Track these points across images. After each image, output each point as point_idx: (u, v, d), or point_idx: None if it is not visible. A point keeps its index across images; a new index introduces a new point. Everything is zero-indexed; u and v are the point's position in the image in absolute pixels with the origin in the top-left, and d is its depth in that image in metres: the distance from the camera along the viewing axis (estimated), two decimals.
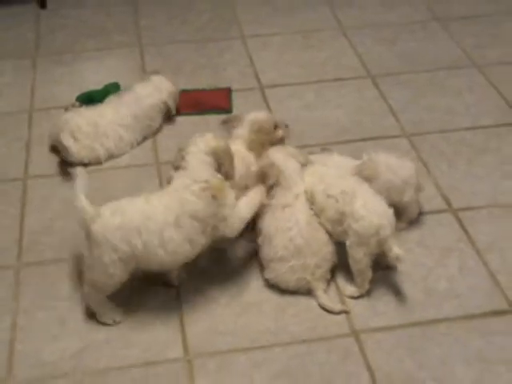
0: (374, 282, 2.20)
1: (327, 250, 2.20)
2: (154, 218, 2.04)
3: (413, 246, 2.34)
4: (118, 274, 2.05)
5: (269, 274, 2.21)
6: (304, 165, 2.30)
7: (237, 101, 2.99)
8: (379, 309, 2.15)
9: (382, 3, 3.69)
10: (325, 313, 2.14)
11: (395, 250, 2.10)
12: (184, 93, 3.00)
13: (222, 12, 3.64)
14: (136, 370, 1.99)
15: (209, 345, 2.06)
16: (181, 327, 2.10)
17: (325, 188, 2.23)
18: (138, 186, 2.58)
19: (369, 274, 2.16)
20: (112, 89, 2.91)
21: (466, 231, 2.40)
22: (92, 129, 2.66)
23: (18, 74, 3.19)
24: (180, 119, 2.92)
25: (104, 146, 2.67)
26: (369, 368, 1.99)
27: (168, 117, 2.88)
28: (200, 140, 2.14)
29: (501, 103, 2.97)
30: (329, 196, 2.21)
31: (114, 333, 2.09)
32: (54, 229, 2.43)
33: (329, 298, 2.17)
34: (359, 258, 2.14)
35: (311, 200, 2.23)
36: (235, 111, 2.91)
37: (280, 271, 2.18)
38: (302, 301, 2.17)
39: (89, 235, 2.04)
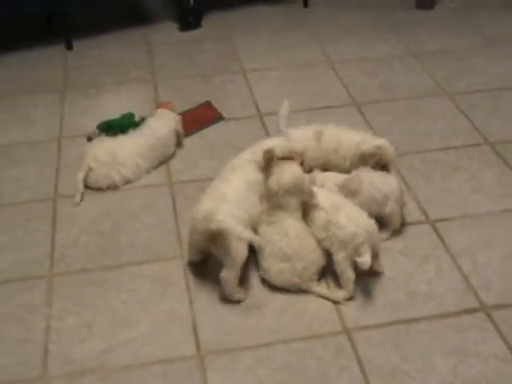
0: (363, 287, 2.19)
1: (314, 255, 2.19)
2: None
3: (396, 254, 2.32)
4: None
5: (261, 273, 2.21)
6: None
7: (239, 128, 2.99)
8: (368, 309, 2.13)
9: (363, 42, 3.68)
10: (320, 313, 2.12)
11: (363, 257, 2.10)
12: (181, 115, 2.98)
13: (224, 50, 3.63)
14: (155, 366, 1.97)
15: (218, 344, 2.03)
16: (193, 328, 2.08)
17: (324, 201, 2.25)
18: (152, 204, 2.57)
19: (350, 274, 2.15)
20: (127, 117, 2.90)
21: (441, 240, 2.38)
22: (109, 157, 2.63)
23: (49, 106, 3.17)
24: (186, 141, 2.91)
25: (120, 174, 2.64)
26: (359, 362, 1.97)
27: (179, 142, 2.86)
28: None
29: (469, 126, 2.96)
30: (321, 209, 2.22)
31: (134, 334, 2.07)
32: (80, 242, 2.41)
33: (326, 288, 2.17)
34: (340, 260, 2.15)
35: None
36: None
37: (270, 271, 2.18)
38: (299, 302, 2.15)
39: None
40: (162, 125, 2.78)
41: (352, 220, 2.16)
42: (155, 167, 2.75)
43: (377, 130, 2.94)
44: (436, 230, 2.42)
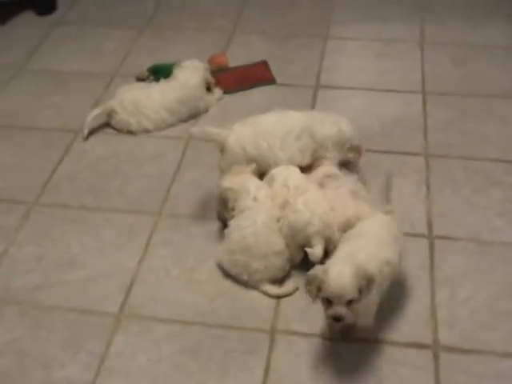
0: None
1: (275, 260, 1.98)
2: (281, 125, 2.18)
3: None
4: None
5: (218, 256, 2.06)
6: None
7: (287, 95, 2.79)
8: (308, 316, 1.91)
9: (471, 24, 3.23)
10: (257, 307, 1.95)
11: (313, 249, 1.90)
12: (227, 71, 2.85)
13: (319, 12, 3.37)
14: (72, 314, 1.94)
15: (142, 309, 1.95)
16: (129, 287, 2.01)
17: (285, 178, 2.07)
18: (161, 156, 2.50)
19: (299, 254, 1.99)
20: (174, 65, 2.80)
21: (431, 260, 2.07)
22: (133, 106, 2.58)
23: (122, 42, 3.18)
24: (227, 99, 2.78)
25: (140, 124, 2.58)
26: (267, 367, 1.79)
27: (209, 90, 2.75)
28: None
29: None
30: (285, 185, 2.04)
31: (73, 277, 2.05)
32: (77, 178, 2.42)
33: (273, 286, 1.98)
34: (288, 243, 1.99)
35: (270, 183, 2.08)
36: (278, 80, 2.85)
37: (225, 259, 2.02)
38: (243, 290, 1.99)
39: (224, 148, 2.15)
40: (189, 76, 2.67)
41: (309, 207, 1.95)
42: (184, 121, 2.66)
43: (429, 125, 2.60)
44: (431, 248, 2.11)
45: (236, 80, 2.85)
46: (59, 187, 2.39)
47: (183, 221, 2.22)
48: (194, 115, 2.68)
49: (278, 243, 2.00)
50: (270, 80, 2.87)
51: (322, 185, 2.07)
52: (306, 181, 2.09)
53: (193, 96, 2.66)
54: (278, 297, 1.97)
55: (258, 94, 2.81)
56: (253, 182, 2.06)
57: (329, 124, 2.23)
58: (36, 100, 2.82)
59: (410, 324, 1.89)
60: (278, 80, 2.89)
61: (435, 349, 1.82)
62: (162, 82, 2.69)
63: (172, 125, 2.64)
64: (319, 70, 2.95)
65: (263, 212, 2.02)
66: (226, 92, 2.80)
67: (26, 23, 3.34)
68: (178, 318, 1.92)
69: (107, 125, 2.64)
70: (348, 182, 2.09)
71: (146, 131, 2.61)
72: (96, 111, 2.59)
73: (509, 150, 2.49)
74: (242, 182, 2.06)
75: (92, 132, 2.60)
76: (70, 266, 2.09)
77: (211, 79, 2.74)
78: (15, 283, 2.04)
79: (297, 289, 1.99)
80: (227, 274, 2.03)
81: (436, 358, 1.80)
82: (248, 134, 2.17)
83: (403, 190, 2.31)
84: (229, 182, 2.06)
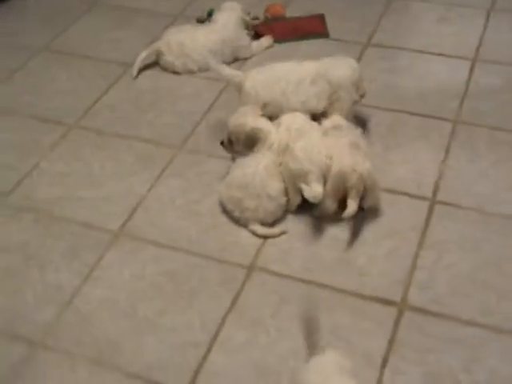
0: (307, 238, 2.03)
1: (268, 203, 2.03)
2: (295, 72, 2.23)
3: (368, 220, 2.05)
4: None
5: (219, 192, 2.13)
6: None
7: (336, 50, 2.75)
8: (288, 258, 1.97)
9: None
10: (242, 243, 2.01)
11: (311, 188, 1.94)
12: (282, 21, 2.87)
13: None
14: (78, 227, 2.10)
15: (140, 230, 2.08)
16: (134, 209, 2.15)
17: (290, 123, 2.11)
18: (197, 95, 2.60)
19: (297, 199, 2.05)
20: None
21: (426, 223, 2.04)
22: (178, 48, 2.67)
23: None
24: (276, 47, 2.82)
25: (185, 65, 2.68)
26: (235, 299, 1.87)
27: (250, 30, 2.81)
28: None
29: None
30: (287, 129, 2.09)
31: (89, 195, 2.20)
32: (117, 107, 2.55)
33: (261, 227, 2.04)
34: (288, 187, 2.05)
35: (277, 128, 2.13)
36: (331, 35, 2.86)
37: (222, 193, 2.10)
38: (234, 226, 2.06)
39: (241, 90, 2.24)
40: (227, 17, 2.73)
41: (307, 154, 1.99)
42: (228, 63, 2.72)
43: (470, 91, 2.52)
44: (430, 211, 2.08)
45: (289, 30, 2.87)
46: (99, 114, 2.55)
47: (200, 157, 2.31)
48: (237, 57, 2.74)
49: (274, 188, 2.04)
50: (322, 33, 2.87)
51: (325, 133, 2.09)
52: (310, 125, 2.12)
53: (232, 36, 2.71)
54: (265, 237, 2.03)
55: (306, 45, 2.83)
56: (272, 127, 2.12)
57: (343, 66, 2.25)
58: (100, 33, 2.98)
59: (383, 280, 1.90)
60: (332, 34, 2.88)
61: (401, 307, 1.82)
62: (206, 25, 2.78)
63: None
64: (375, 28, 2.91)
65: (268, 155, 2.08)
66: (276, 41, 2.84)
67: None
68: (168, 243, 2.04)
69: (156, 63, 2.76)
70: (350, 134, 2.09)
71: (191, 72, 2.70)
72: (144, 53, 2.70)
73: None
74: (264, 126, 2.11)
75: (142, 70, 2.73)
76: (87, 184, 2.25)
77: (249, 20, 2.79)
78: (38, 194, 2.23)
79: (284, 232, 2.04)
80: (225, 210, 2.11)
81: (399, 315, 1.80)
82: (262, 79, 2.23)
83: (421, 153, 2.29)
84: (254, 121, 2.11)
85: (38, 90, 2.67)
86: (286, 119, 2.14)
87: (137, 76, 2.69)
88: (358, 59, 2.72)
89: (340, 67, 2.24)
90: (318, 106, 2.22)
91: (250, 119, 2.10)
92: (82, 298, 1.90)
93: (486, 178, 2.18)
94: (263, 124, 2.11)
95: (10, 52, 2.91)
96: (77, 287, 1.93)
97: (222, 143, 2.16)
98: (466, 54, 2.72)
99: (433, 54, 2.75)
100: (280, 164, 2.07)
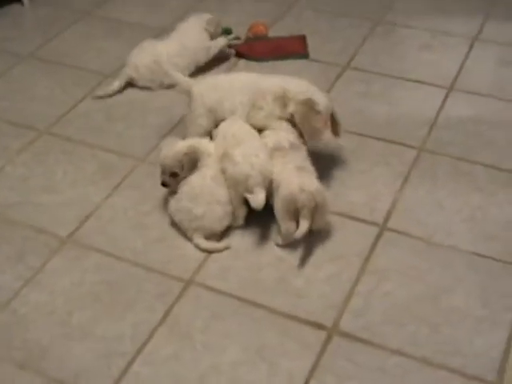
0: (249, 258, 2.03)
1: (217, 207, 2.04)
2: (234, 81, 2.28)
3: (314, 242, 2.05)
4: (203, 125, 2.25)
5: (168, 207, 2.14)
6: None
7: (314, 72, 2.78)
8: (227, 275, 1.97)
9: None
10: (186, 256, 2.03)
11: (255, 196, 1.96)
12: (263, 40, 2.90)
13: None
14: (27, 230, 2.14)
15: (87, 239, 2.10)
16: (85, 219, 2.16)
17: (226, 130, 2.14)
18: (167, 108, 2.62)
19: (242, 210, 2.06)
20: (226, 31, 2.92)
21: (371, 249, 2.03)
22: (147, 70, 2.69)
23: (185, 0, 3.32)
24: (255, 66, 2.83)
25: (162, 83, 2.69)
26: (167, 312, 1.87)
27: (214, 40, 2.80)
28: None
29: None
30: (224, 137, 2.11)
31: (44, 200, 2.23)
32: (91, 113, 2.60)
33: (206, 242, 2.05)
34: (232, 197, 2.05)
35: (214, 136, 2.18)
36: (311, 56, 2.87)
37: (171, 207, 2.12)
38: (182, 240, 2.07)
39: (190, 95, 2.29)
40: (187, 25, 2.79)
41: (247, 159, 2.00)
42: (191, 71, 2.73)
43: (439, 120, 2.51)
44: (378, 238, 2.07)
45: (269, 49, 2.89)
46: (71, 122, 2.58)
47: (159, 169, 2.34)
48: (198, 62, 2.77)
49: (223, 194, 2.06)
50: (302, 53, 2.88)
51: (271, 156, 2.09)
52: (247, 130, 2.13)
53: (191, 40, 2.74)
54: (208, 251, 2.04)
55: (285, 65, 2.83)
56: (205, 141, 2.15)
57: (272, 79, 2.24)
58: (87, 42, 3.03)
59: (319, 303, 1.89)
60: (312, 55, 2.90)
61: (331, 331, 1.81)
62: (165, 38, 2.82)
63: (187, 69, 2.72)
64: (356, 51, 2.92)
65: (212, 166, 2.09)
66: (256, 60, 2.86)
67: None
68: (113, 252, 2.05)
69: None
70: (296, 158, 2.09)
71: (168, 87, 2.71)
72: (117, 82, 2.70)
73: (509, 158, 2.35)
74: (198, 142, 2.14)
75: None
76: (47, 190, 2.28)
77: (214, 31, 2.80)
78: None
79: (227, 248, 2.05)
80: (174, 223, 2.12)
81: (328, 340, 1.79)
82: (207, 87, 2.29)
83: (379, 179, 2.28)
84: (185, 143, 2.13)
85: (16, 95, 2.72)
86: (221, 127, 2.17)
87: (98, 98, 2.69)
88: (335, 81, 2.74)
89: (270, 80, 2.24)
90: (243, 112, 2.21)
91: (180, 144, 2.12)
92: (20, 300, 1.93)
93: (441, 209, 2.16)
94: (195, 141, 2.13)
95: None
96: (16, 290, 1.95)
97: (163, 184, 2.13)
98: (442, 83, 2.71)
99: (410, 80, 2.74)
100: (223, 172, 2.08)
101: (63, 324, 1.87)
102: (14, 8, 3.31)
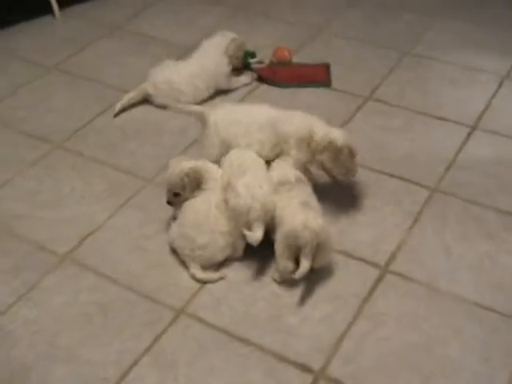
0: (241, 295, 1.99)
1: (220, 238, 2.01)
2: (251, 115, 2.24)
3: (313, 280, 1.99)
4: (214, 155, 2.22)
5: (169, 232, 2.12)
6: None
7: (335, 101, 2.74)
8: (219, 308, 1.93)
9: None
10: (181, 285, 1.99)
11: (253, 233, 1.92)
12: (286, 66, 2.87)
13: (416, 28, 3.23)
14: (27, 244, 2.14)
15: (85, 258, 2.09)
16: (83, 238, 2.16)
17: (233, 159, 2.11)
18: (184, 128, 2.61)
19: (242, 242, 2.02)
20: (250, 54, 2.91)
21: (371, 292, 1.97)
22: (166, 86, 2.68)
23: (214, 19, 3.32)
24: (276, 92, 2.80)
25: (179, 101, 2.66)
26: (155, 341, 1.84)
27: (233, 65, 2.78)
28: None
29: None
30: (230, 166, 2.09)
31: (49, 215, 2.25)
32: (104, 131, 2.60)
33: (202, 272, 2.01)
34: (232, 228, 2.01)
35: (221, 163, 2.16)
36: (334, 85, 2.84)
37: (173, 233, 2.09)
38: (180, 269, 2.04)
39: (205, 123, 2.29)
40: (208, 45, 2.77)
41: (249, 190, 1.96)
42: (211, 93, 2.74)
43: (457, 160, 2.43)
44: (378, 281, 2.00)
45: (292, 76, 2.86)
46: (86, 137, 2.59)
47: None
48: (217, 86, 2.75)
49: (225, 224, 2.02)
50: (324, 82, 2.84)
51: (276, 191, 2.05)
52: (254, 161, 2.10)
53: (211, 62, 2.73)
54: (203, 281, 2.01)
55: (306, 93, 2.80)
56: (211, 164, 2.14)
57: (294, 121, 2.18)
58: (112, 57, 3.05)
59: (310, 344, 1.83)
60: (335, 84, 2.85)
61: (317, 375, 1.76)
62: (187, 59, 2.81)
63: (209, 97, 2.73)
64: (380, 83, 2.86)
65: (217, 193, 2.06)
66: (278, 85, 2.83)
67: None
68: (109, 274, 2.04)
69: None
70: (301, 192, 2.05)
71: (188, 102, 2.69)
72: (132, 93, 2.71)
73: None
74: (203, 164, 2.11)
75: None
76: (53, 205, 2.29)
77: (235, 54, 2.77)
78: (2, 208, 2.28)
79: (222, 278, 2.01)
80: (173, 250, 2.10)
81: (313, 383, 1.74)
82: (223, 118, 2.25)
83: (388, 218, 2.22)
84: (188, 163, 2.10)
85: (35, 106, 2.75)
86: (230, 155, 2.14)
87: (118, 113, 2.69)
88: (355, 112, 2.68)
89: (291, 121, 2.18)
90: (262, 151, 2.19)
91: (183, 163, 2.09)
92: (10, 316, 1.92)
93: (447, 253, 2.09)
94: (200, 163, 2.11)
95: (23, 68, 3.01)
96: (9, 305, 1.95)
97: (168, 202, 2.13)
98: (466, 121, 2.63)
99: (433, 116, 2.67)
100: (226, 202, 2.05)
101: (49, 344, 1.85)
102: (46, 20, 3.35)
